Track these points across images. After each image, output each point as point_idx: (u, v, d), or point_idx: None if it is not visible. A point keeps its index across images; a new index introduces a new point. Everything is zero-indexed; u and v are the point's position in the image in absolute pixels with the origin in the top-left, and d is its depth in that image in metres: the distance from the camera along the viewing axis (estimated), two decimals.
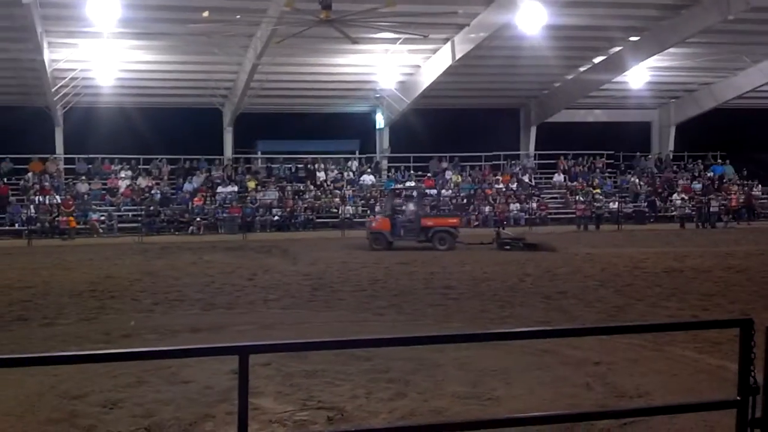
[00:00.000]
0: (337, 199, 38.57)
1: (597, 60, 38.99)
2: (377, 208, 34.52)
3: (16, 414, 8.41)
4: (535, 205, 39.72)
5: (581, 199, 39.91)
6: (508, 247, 27.26)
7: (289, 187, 39.07)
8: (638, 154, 45.41)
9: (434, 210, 36.78)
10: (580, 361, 10.42)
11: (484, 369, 9.99)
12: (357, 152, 43.62)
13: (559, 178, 43.04)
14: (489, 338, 7.97)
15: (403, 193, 31.33)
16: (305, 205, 37.93)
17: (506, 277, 19.65)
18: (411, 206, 29.42)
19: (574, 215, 39.18)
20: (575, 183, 42.07)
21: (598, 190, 41.04)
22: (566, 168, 43.47)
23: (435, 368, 10.02)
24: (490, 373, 9.83)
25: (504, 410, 8.46)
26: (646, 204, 41.10)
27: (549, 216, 39.70)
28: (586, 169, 43.57)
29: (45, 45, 31.61)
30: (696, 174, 44.07)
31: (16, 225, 34.63)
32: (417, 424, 7.62)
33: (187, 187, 38.30)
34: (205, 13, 26.08)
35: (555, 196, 42.01)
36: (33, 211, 34.80)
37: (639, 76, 39.52)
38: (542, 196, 41.21)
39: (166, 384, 9.37)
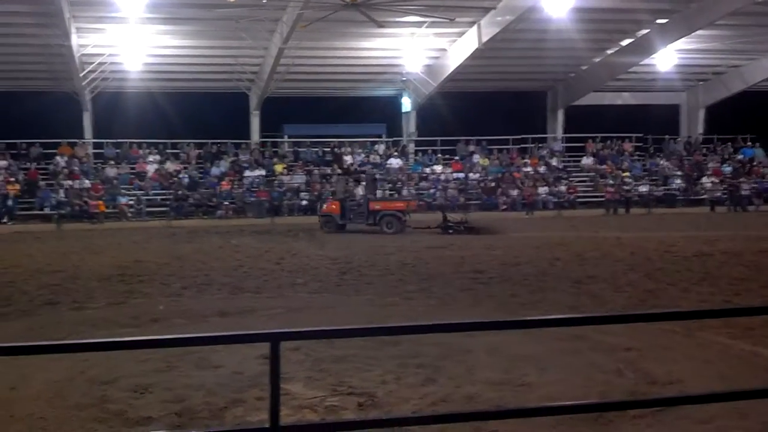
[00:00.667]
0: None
1: (625, 42, 38.61)
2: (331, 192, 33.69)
3: (45, 399, 8.44)
4: (563, 188, 39.44)
5: (610, 182, 39.58)
6: (451, 231, 27.58)
7: (316, 171, 39.06)
8: (667, 137, 44.89)
9: (462, 193, 36.88)
10: (611, 347, 10.31)
11: (516, 354, 9.90)
12: (384, 136, 43.52)
13: (587, 161, 42.66)
14: (520, 326, 7.89)
15: (354, 177, 31.91)
16: (332, 189, 37.88)
17: (536, 261, 19.50)
18: (359, 190, 29.61)
19: (603, 199, 38.85)
20: (604, 166, 41.70)
21: (627, 173, 40.69)
22: (595, 151, 43.08)
23: (465, 354, 9.95)
24: (521, 359, 9.73)
25: (536, 397, 8.39)
26: (683, 185, 40.61)
27: (578, 199, 39.41)
28: (614, 152, 43.15)
29: (73, 30, 31.76)
30: (726, 157, 43.51)
31: (46, 209, 34.89)
32: (452, 412, 7.56)
33: (215, 171, 38.38)
34: None
35: (584, 179, 41.66)
36: (62, 195, 35.02)
37: (667, 58, 39.03)
38: (571, 179, 40.90)
39: (196, 369, 9.37)
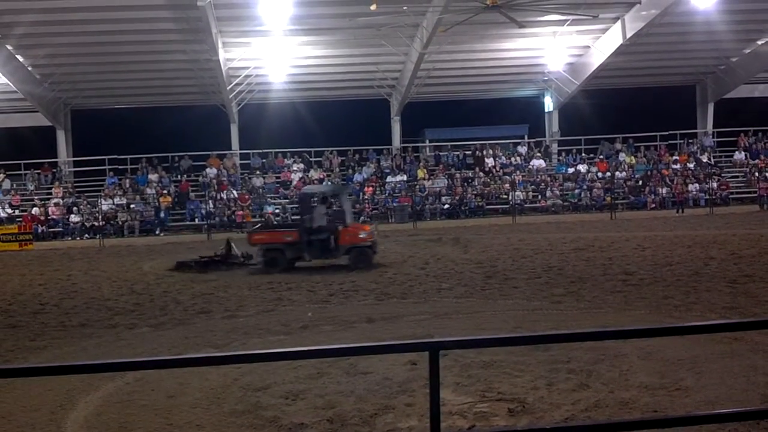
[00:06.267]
0: (507, 185, 38.15)
1: None
2: None
3: (203, 406, 8.67)
4: (715, 184, 37.94)
5: (764, 176, 37.79)
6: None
7: (457, 175, 38.97)
8: None
9: (608, 192, 35.98)
10: None
11: (671, 358, 9.57)
12: (526, 137, 43.03)
13: (740, 156, 40.96)
14: (678, 332, 7.55)
15: None
16: (474, 192, 37.75)
17: (689, 261, 18.78)
18: None
19: (756, 194, 37.13)
20: (757, 160, 39.87)
21: None
22: (747, 145, 41.31)
23: (618, 358, 9.66)
24: (677, 363, 9.39)
25: (693, 402, 8.06)
26: None
27: (730, 196, 37.84)
28: None
29: (220, 45, 32.85)
30: None
31: (196, 220, 36.26)
32: (606, 421, 7.30)
33: (358, 177, 38.88)
34: (373, 6, 26.35)
35: (736, 174, 39.98)
36: (211, 206, 36.24)
37: None
38: (723, 175, 39.30)
39: (346, 375, 9.44)
